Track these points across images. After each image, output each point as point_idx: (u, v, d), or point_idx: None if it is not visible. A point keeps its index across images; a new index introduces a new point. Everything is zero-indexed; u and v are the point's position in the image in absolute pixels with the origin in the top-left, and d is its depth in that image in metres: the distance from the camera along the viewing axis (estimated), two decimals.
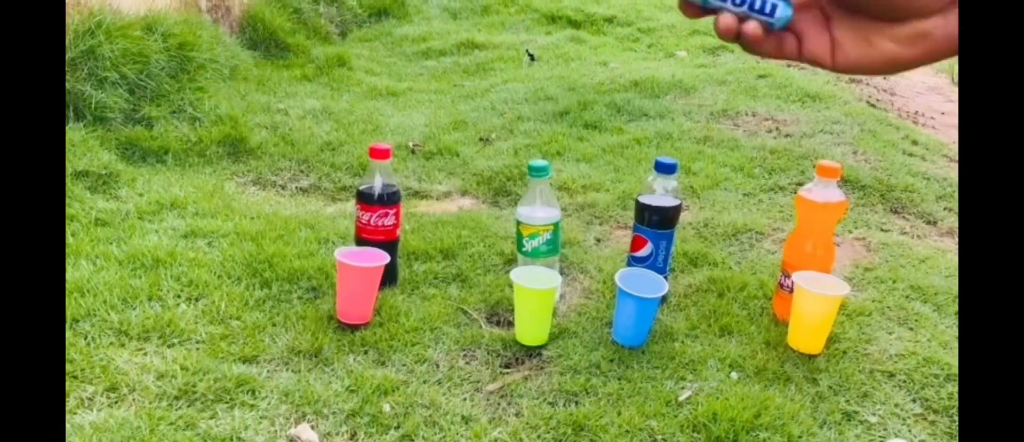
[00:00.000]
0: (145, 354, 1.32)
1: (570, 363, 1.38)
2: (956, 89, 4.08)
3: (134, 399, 1.22)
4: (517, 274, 1.44)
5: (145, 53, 2.36)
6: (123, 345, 1.34)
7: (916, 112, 3.16)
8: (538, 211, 1.54)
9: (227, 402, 1.23)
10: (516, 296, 1.44)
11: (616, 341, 1.44)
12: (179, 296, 1.49)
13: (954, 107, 3.46)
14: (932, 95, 3.66)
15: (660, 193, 1.53)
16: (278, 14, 3.36)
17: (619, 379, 1.35)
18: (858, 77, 3.50)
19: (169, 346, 1.35)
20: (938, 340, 1.49)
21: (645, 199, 1.54)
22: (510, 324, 1.50)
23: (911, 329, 1.53)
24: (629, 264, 1.57)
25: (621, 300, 1.43)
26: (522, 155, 2.31)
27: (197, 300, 1.49)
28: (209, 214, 1.85)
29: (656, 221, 1.53)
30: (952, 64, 4.14)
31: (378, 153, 1.55)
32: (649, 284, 1.44)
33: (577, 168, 2.24)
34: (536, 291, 1.41)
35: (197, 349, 1.35)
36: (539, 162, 1.55)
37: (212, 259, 1.63)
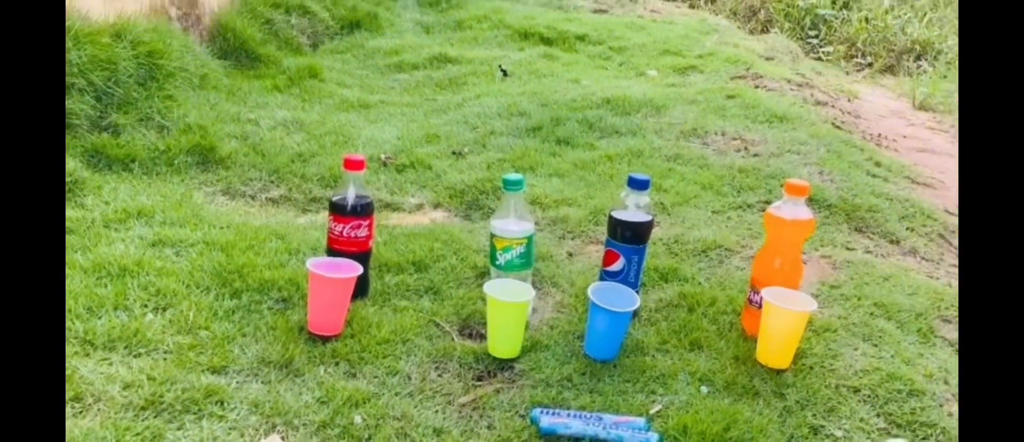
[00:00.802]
0: (111, 364, 1.30)
1: (542, 376, 1.39)
2: (917, 113, 4.18)
3: (99, 409, 1.20)
4: (490, 287, 1.45)
5: (113, 60, 2.33)
6: (88, 355, 1.31)
7: (879, 135, 3.24)
8: (512, 224, 1.55)
9: (195, 413, 1.21)
10: (489, 309, 1.44)
11: (588, 355, 1.45)
12: (146, 305, 1.47)
13: (915, 131, 3.55)
14: (894, 119, 3.76)
15: (632, 209, 1.55)
16: (249, 24, 3.34)
17: (591, 392, 1.35)
18: (824, 100, 3.58)
19: (135, 356, 1.33)
20: (901, 356, 1.52)
21: (618, 214, 1.55)
22: (482, 337, 1.50)
23: (875, 345, 1.56)
24: (601, 278, 1.58)
25: (593, 314, 1.43)
26: (495, 169, 2.31)
27: (165, 309, 1.47)
28: (177, 223, 1.83)
29: (628, 236, 1.54)
30: (912, 89, 4.25)
31: (352, 164, 1.55)
32: (621, 298, 1.45)
33: (549, 183, 2.26)
34: (509, 304, 1.42)
35: (164, 359, 1.33)
36: (514, 176, 1.56)
37: (180, 268, 1.60)
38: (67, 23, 2.23)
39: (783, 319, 1.43)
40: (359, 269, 1.48)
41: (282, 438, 1.18)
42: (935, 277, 1.93)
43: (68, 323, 1.37)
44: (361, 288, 1.55)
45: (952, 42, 5.04)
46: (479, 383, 1.37)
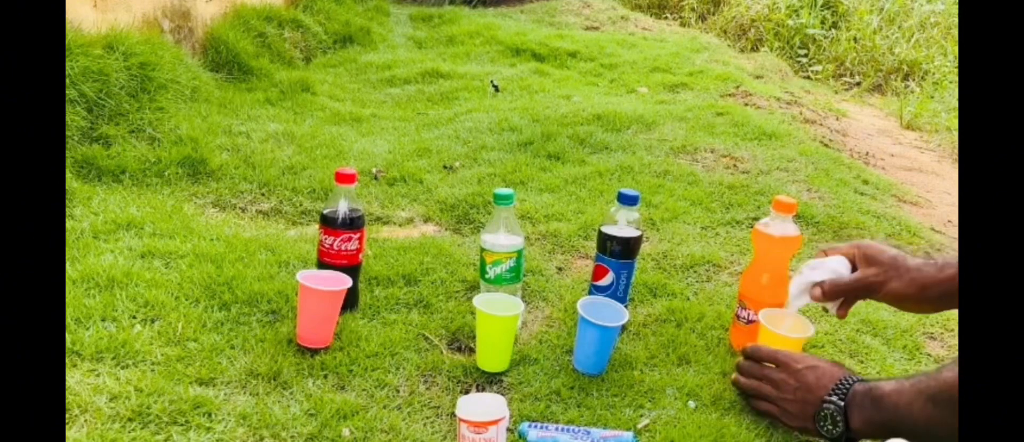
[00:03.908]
0: (98, 375, 1.29)
1: (531, 390, 1.39)
2: (904, 132, 4.21)
3: (86, 421, 1.19)
4: (480, 300, 1.45)
5: (105, 71, 2.33)
6: (75, 365, 1.31)
7: (867, 153, 3.27)
8: (502, 238, 1.56)
9: (182, 425, 1.21)
10: (478, 322, 1.44)
11: (576, 369, 1.46)
12: (134, 317, 1.47)
13: (902, 149, 3.58)
14: (882, 137, 3.79)
15: (622, 224, 1.56)
16: (242, 37, 3.35)
17: (579, 406, 1.36)
18: (813, 118, 3.61)
19: (123, 367, 1.33)
20: (886, 372, 1.53)
21: (608, 229, 1.56)
22: (471, 350, 1.50)
23: (862, 361, 1.57)
24: (591, 293, 1.59)
25: (582, 328, 1.44)
26: (486, 184, 2.32)
27: (153, 321, 1.46)
28: (167, 235, 1.82)
29: (618, 251, 1.55)
30: (900, 108, 4.29)
31: (344, 178, 1.55)
32: (610, 313, 1.46)
33: (540, 198, 2.27)
34: (499, 318, 1.42)
35: (152, 371, 1.33)
36: (504, 190, 1.57)
37: (169, 280, 1.60)
38: None
39: (779, 345, 1.43)
40: (349, 282, 1.48)
41: None
42: None
43: None
44: (351, 301, 1.56)
45: (939, 62, 5.10)
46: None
